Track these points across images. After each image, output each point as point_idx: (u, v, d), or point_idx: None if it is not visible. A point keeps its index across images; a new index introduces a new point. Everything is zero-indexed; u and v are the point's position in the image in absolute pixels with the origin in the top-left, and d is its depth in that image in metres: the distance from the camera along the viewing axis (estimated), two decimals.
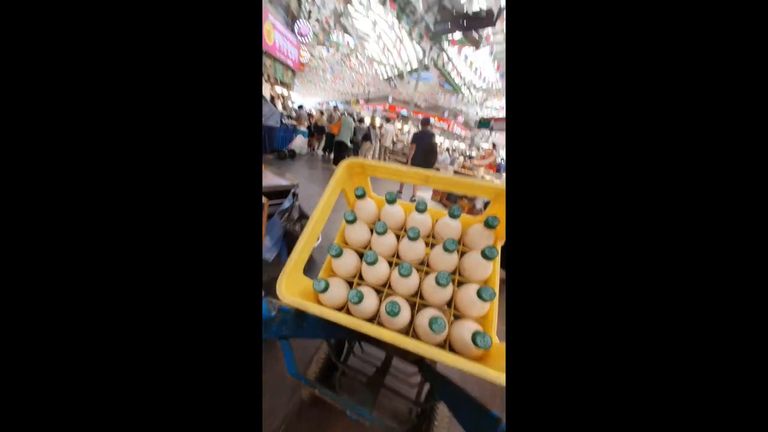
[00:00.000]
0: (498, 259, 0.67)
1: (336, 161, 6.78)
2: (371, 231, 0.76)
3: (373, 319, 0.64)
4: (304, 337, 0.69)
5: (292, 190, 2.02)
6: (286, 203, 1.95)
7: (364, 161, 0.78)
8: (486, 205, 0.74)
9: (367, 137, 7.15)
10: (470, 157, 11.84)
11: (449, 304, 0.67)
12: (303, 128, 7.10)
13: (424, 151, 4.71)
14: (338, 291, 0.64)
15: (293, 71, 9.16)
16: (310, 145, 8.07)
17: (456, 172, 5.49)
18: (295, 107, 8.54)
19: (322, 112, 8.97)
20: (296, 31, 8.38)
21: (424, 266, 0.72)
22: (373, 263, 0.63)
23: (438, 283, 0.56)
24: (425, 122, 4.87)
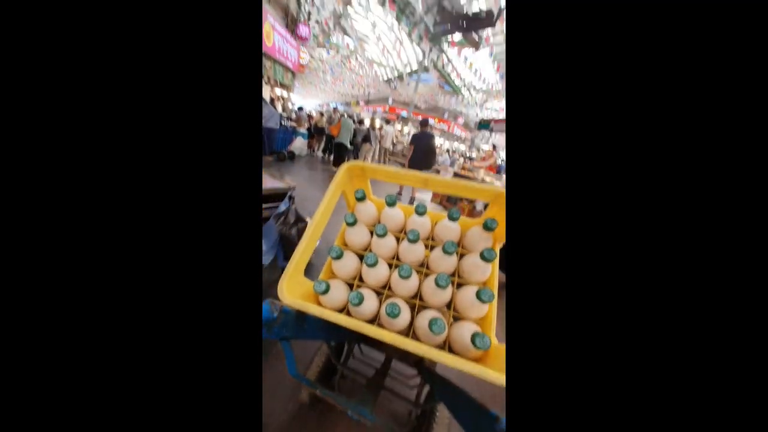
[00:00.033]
0: (497, 261, 0.67)
1: (335, 163, 6.77)
2: (371, 233, 0.76)
3: (374, 320, 0.64)
4: (304, 338, 0.69)
5: (289, 193, 1.98)
6: (282, 206, 1.90)
7: (365, 164, 0.79)
8: (486, 206, 0.74)
9: (366, 139, 7.14)
10: (470, 159, 11.84)
11: (449, 305, 0.67)
12: (303, 130, 7.09)
13: (423, 153, 4.66)
14: (339, 293, 0.64)
15: (293, 73, 9.17)
16: (309, 146, 8.07)
17: (456, 174, 5.49)
18: (295, 109, 8.55)
19: (322, 114, 8.97)
20: (296, 33, 8.39)
21: (423, 268, 0.72)
22: (373, 265, 0.64)
23: (437, 284, 0.57)
24: (424, 123, 4.80)
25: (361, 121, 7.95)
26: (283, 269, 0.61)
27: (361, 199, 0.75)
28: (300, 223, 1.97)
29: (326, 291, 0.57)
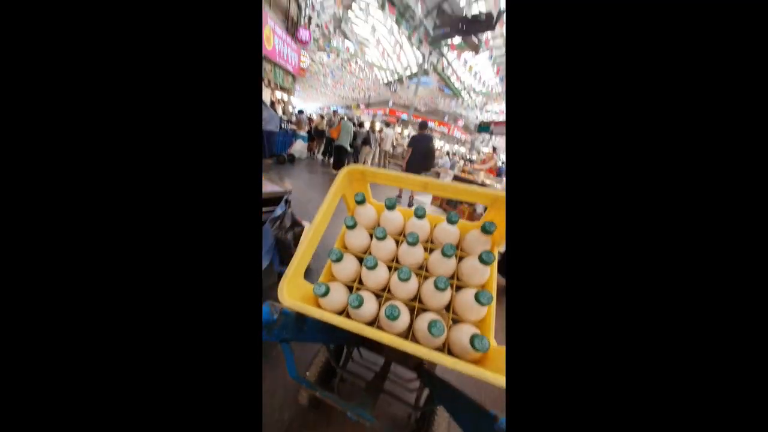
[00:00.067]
0: (495, 263, 0.67)
1: (335, 166, 6.78)
2: (371, 236, 0.77)
3: (373, 323, 0.65)
4: (304, 340, 0.69)
5: (285, 197, 1.93)
6: (278, 210, 1.85)
7: (365, 168, 0.79)
8: (486, 209, 0.75)
9: (366, 141, 7.15)
10: (470, 161, 11.87)
11: (448, 308, 0.68)
12: (303, 133, 7.10)
13: (421, 155, 4.61)
14: (338, 295, 0.65)
15: (293, 76, 9.21)
16: (309, 149, 8.09)
17: (456, 176, 5.49)
18: (296, 112, 8.58)
19: (322, 117, 9.00)
20: (296, 36, 8.45)
21: (423, 271, 0.73)
22: (372, 268, 0.64)
23: (437, 287, 0.57)
24: (423, 125, 4.71)
25: (361, 124, 7.98)
26: (279, 274, 0.61)
27: (360, 202, 0.76)
28: (296, 227, 1.93)
29: (326, 293, 0.57)
